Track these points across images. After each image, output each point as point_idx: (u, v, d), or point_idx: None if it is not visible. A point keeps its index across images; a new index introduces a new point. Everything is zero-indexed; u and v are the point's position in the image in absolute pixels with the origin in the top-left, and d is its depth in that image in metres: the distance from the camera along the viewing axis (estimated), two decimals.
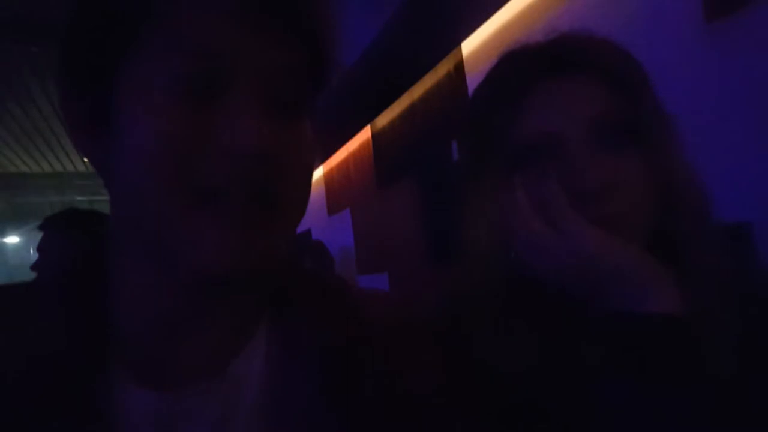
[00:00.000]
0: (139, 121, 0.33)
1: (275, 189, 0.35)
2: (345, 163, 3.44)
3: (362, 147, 3.16)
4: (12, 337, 0.35)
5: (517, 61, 0.55)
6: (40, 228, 1.53)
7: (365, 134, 3.10)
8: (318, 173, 3.86)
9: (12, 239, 7.92)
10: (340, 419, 0.38)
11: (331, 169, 3.68)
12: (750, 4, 1.05)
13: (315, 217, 3.83)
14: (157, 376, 0.37)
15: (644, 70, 0.53)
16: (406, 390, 0.41)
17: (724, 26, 1.10)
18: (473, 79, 2.03)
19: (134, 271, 0.37)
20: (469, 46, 2.07)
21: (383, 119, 2.87)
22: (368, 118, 2.97)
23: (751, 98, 1.06)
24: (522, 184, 0.50)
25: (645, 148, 0.50)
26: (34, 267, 1.52)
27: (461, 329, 0.51)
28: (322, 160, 3.72)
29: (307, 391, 0.39)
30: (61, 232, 1.47)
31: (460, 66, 2.12)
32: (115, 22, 0.33)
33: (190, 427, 0.37)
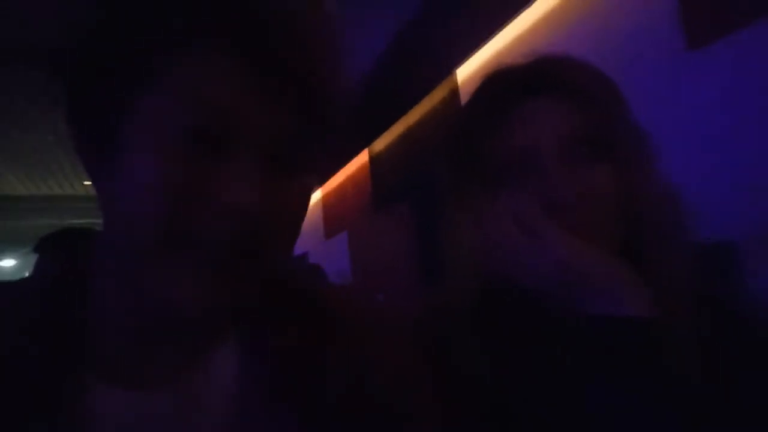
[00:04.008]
0: (145, 161, 0.34)
1: (263, 243, 0.35)
2: (342, 186, 3.47)
3: (360, 171, 3.19)
4: None
5: (497, 83, 0.59)
6: (35, 250, 1.54)
7: (363, 158, 3.14)
8: (315, 196, 3.89)
9: (8, 262, 7.88)
10: (303, 420, 0.39)
11: (329, 193, 3.70)
12: (727, 35, 1.09)
13: (312, 240, 3.84)
14: (127, 378, 0.39)
15: (617, 89, 0.57)
16: (375, 394, 0.41)
17: (704, 53, 1.15)
18: None
19: (112, 290, 0.39)
20: (463, 72, 2.12)
21: (381, 144, 2.91)
22: (366, 143, 3.01)
23: (733, 120, 1.10)
24: (502, 198, 0.52)
25: (616, 161, 0.53)
26: None
27: (443, 338, 0.53)
28: (320, 184, 3.75)
29: (272, 392, 0.40)
30: (56, 252, 1.48)
31: (455, 92, 2.17)
32: (129, 63, 0.34)
33: (158, 425, 0.38)
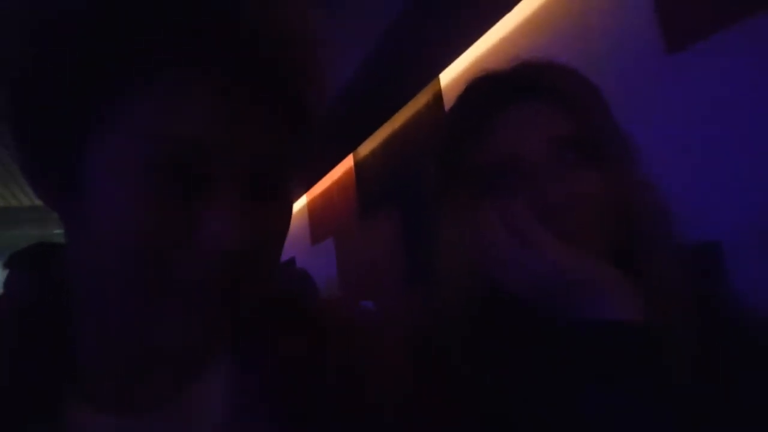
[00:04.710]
0: (110, 205, 0.30)
1: (250, 273, 0.34)
2: (328, 191, 3.46)
3: (345, 176, 3.19)
4: None
5: (482, 88, 0.59)
6: (5, 265, 1.51)
7: (348, 163, 3.13)
8: (301, 202, 3.87)
9: None
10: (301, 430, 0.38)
11: (315, 198, 3.69)
12: (707, 37, 1.11)
13: (298, 246, 3.82)
14: (116, 404, 0.37)
15: (600, 92, 0.57)
16: (374, 402, 0.40)
17: (684, 56, 1.17)
18: None
19: (92, 317, 0.37)
20: (447, 77, 2.13)
21: (365, 149, 2.91)
22: (351, 148, 3.01)
23: (714, 121, 1.12)
24: (491, 203, 0.52)
25: (603, 165, 0.53)
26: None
27: (436, 345, 0.52)
28: (306, 189, 3.74)
29: (267, 406, 0.38)
30: (27, 269, 1.45)
31: (438, 96, 2.18)
32: (80, 97, 0.30)
33: None
